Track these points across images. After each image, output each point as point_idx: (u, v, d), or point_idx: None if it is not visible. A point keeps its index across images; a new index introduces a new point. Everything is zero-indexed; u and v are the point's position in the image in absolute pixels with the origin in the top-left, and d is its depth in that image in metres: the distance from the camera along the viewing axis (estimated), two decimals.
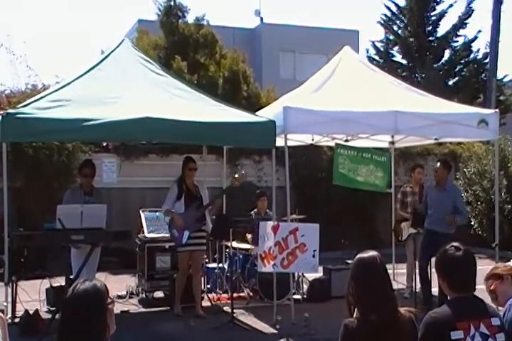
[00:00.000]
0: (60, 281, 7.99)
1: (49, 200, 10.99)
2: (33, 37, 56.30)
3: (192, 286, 8.07)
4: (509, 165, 14.25)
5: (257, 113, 8.73)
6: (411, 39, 26.26)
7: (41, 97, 7.43)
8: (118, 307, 7.97)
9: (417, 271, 8.61)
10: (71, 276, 7.12)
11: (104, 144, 13.03)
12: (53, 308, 7.88)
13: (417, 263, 8.51)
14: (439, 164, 8.40)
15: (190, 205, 7.96)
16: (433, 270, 6.05)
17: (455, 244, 3.44)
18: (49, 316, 7.43)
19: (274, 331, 7.24)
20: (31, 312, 7.31)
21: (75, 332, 2.77)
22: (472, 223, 14.48)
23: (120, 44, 8.78)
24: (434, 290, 7.73)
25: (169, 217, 8.06)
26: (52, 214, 7.09)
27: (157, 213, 9.08)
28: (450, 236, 7.98)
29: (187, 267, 8.04)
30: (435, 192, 8.31)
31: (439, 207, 8.12)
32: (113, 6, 66.32)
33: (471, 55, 25.88)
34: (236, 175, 8.42)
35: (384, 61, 26.23)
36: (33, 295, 8.15)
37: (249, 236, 9.37)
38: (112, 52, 8.62)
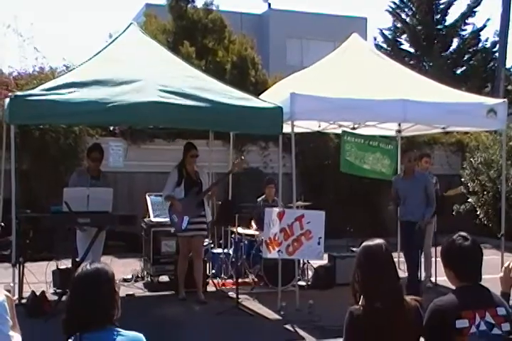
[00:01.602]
0: (66, 263, 8.05)
1: (55, 183, 11.04)
2: (39, 19, 56.14)
3: (193, 268, 8.08)
4: None
5: (261, 95, 8.68)
6: (419, 27, 26.13)
7: (50, 81, 7.43)
8: (123, 291, 8.02)
9: (422, 260, 8.63)
10: (77, 259, 7.17)
11: (112, 128, 13.05)
12: (60, 290, 7.93)
13: (422, 252, 8.52)
14: (411, 155, 8.20)
15: (190, 191, 7.96)
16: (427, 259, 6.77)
17: (462, 233, 3.44)
18: (55, 298, 7.47)
19: (279, 317, 7.27)
20: (38, 293, 7.36)
21: (82, 312, 2.80)
22: (478, 213, 14.48)
23: (128, 28, 8.75)
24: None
25: (169, 202, 8.05)
26: (59, 197, 7.12)
27: (163, 197, 9.08)
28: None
29: (187, 252, 8.04)
30: (404, 182, 8.14)
31: (411, 196, 8.00)
32: None
33: (480, 44, 25.77)
34: (235, 161, 8.42)
35: (391, 49, 26.12)
36: (39, 277, 8.21)
37: (253, 223, 9.36)
38: (119, 35, 8.60)
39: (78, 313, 2.81)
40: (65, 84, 7.13)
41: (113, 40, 8.51)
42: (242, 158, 8.99)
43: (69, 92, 6.91)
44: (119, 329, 2.85)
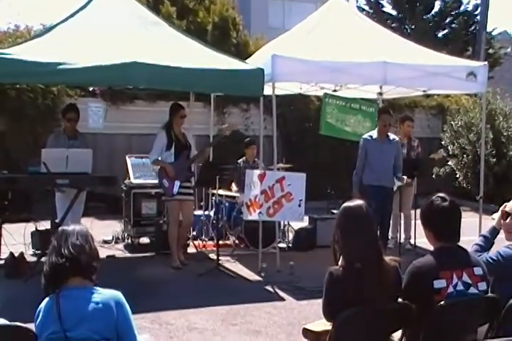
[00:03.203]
0: (45, 225, 8.00)
1: (33, 144, 10.94)
2: None
3: (179, 233, 8.05)
4: (496, 118, 14.31)
5: (246, 61, 8.60)
6: None
7: (24, 41, 7.25)
8: (104, 252, 8.03)
9: (402, 222, 8.71)
10: (56, 220, 7.13)
11: (91, 89, 12.88)
12: (38, 251, 7.93)
13: (402, 214, 8.59)
14: (388, 119, 7.93)
15: (181, 154, 7.80)
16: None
17: (441, 194, 3.46)
18: (34, 259, 7.46)
19: (259, 278, 7.32)
20: (16, 254, 7.35)
21: (64, 264, 2.83)
22: (457, 176, 14.61)
23: None
24: None
25: (158, 166, 7.91)
26: (37, 158, 7.03)
27: (143, 159, 9.02)
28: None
29: (178, 217, 7.88)
30: (375, 145, 7.89)
31: (380, 160, 7.83)
32: None
33: (462, 7, 25.62)
34: (226, 124, 8.36)
35: (374, 11, 25.88)
36: (18, 238, 8.18)
37: (234, 185, 9.36)
38: None
39: (58, 268, 2.82)
40: (41, 43, 6.97)
41: (90, 0, 8.29)
42: (233, 120, 8.90)
43: (45, 52, 6.75)
44: (98, 288, 2.87)
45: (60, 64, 6.57)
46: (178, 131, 7.90)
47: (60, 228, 3.02)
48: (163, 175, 7.78)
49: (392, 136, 8.02)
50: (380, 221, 7.85)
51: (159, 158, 7.80)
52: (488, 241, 3.88)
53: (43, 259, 6.84)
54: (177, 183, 7.72)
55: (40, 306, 2.87)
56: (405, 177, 7.90)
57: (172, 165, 7.74)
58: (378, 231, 7.57)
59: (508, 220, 3.77)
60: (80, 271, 2.85)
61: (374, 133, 7.98)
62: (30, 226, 8.25)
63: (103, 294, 2.84)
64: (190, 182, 7.97)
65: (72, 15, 7.76)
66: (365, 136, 8.05)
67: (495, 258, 3.62)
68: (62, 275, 2.84)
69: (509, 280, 3.52)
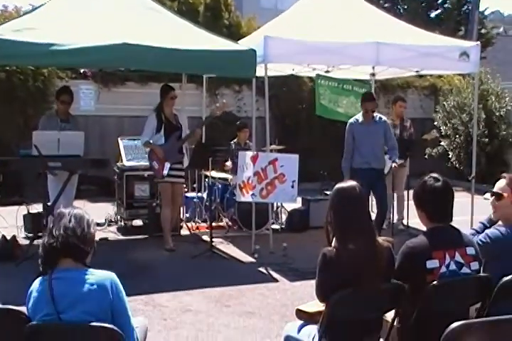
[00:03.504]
0: (37, 208, 7.98)
1: (24, 126, 10.88)
2: None
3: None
4: (488, 98, 14.31)
5: (238, 42, 8.55)
6: None
7: (12, 20, 7.15)
8: (97, 235, 7.96)
9: (395, 202, 8.73)
10: (48, 203, 7.11)
11: (82, 71, 12.78)
12: (31, 234, 7.91)
13: (395, 195, 8.60)
14: (368, 106, 7.76)
15: (171, 136, 7.77)
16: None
17: (434, 174, 3.46)
18: (26, 242, 7.45)
19: (253, 260, 7.34)
20: (8, 238, 7.34)
21: (52, 248, 2.82)
22: (450, 156, 14.64)
23: None
24: None
25: (149, 148, 7.89)
26: (28, 141, 6.99)
27: (136, 141, 8.97)
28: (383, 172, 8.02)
29: (170, 198, 7.85)
30: (362, 127, 7.83)
31: (372, 141, 7.78)
32: None
33: None
34: (217, 104, 8.32)
35: None
36: (10, 221, 8.16)
37: (228, 163, 9.33)
38: None
39: (50, 246, 2.84)
40: (31, 24, 6.87)
41: None
42: (224, 101, 8.86)
43: (33, 33, 6.66)
44: (91, 269, 2.86)
45: (50, 45, 6.49)
46: (169, 112, 7.85)
47: (58, 210, 3.02)
48: (153, 157, 7.77)
49: (378, 116, 7.97)
50: (377, 204, 7.88)
51: (150, 141, 7.78)
52: (485, 228, 3.89)
53: (36, 242, 6.86)
54: (167, 165, 7.70)
55: (31, 287, 2.86)
56: (398, 160, 7.89)
57: (162, 147, 7.71)
58: (376, 213, 7.73)
59: (498, 202, 3.77)
60: (69, 252, 2.84)
61: (360, 117, 7.94)
62: (23, 209, 8.22)
63: (97, 275, 2.83)
64: (182, 164, 7.94)
65: None
66: (351, 120, 7.99)
67: (483, 239, 3.63)
68: (52, 256, 2.84)
69: (497, 260, 3.54)
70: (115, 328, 2.72)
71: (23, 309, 2.86)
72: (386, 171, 8.19)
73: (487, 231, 3.68)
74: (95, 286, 2.78)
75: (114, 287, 2.83)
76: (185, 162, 8.00)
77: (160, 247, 7.76)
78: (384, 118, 8.04)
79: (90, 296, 2.75)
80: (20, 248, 7.18)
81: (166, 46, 6.96)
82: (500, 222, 3.76)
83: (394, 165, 7.78)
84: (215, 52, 7.30)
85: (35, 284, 2.85)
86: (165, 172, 7.71)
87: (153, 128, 7.75)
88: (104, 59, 6.84)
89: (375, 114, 7.90)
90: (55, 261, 2.83)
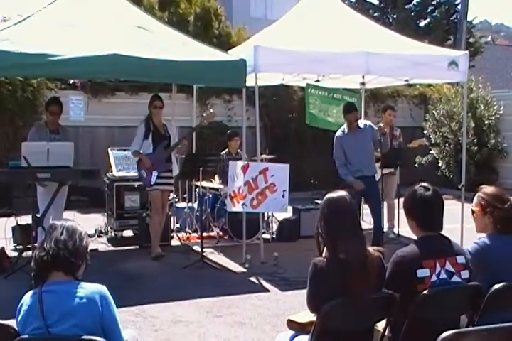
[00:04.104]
0: (26, 219, 7.92)
1: (13, 138, 10.83)
2: None
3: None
4: (477, 107, 14.38)
5: (228, 52, 8.57)
6: None
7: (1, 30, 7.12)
8: None
9: (385, 211, 8.74)
10: (37, 215, 7.06)
11: (71, 81, 12.76)
12: (20, 246, 7.86)
13: (385, 203, 8.61)
14: (351, 117, 7.84)
15: (159, 145, 7.84)
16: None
17: (424, 184, 3.48)
18: (15, 254, 7.40)
19: (244, 270, 7.32)
20: None
21: (43, 261, 2.80)
22: (440, 164, 14.69)
23: None
24: None
25: (137, 158, 7.93)
26: (17, 152, 6.95)
27: (126, 152, 8.96)
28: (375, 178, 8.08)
29: (161, 206, 7.91)
30: (349, 137, 7.87)
31: (360, 149, 7.83)
32: None
33: None
34: (204, 114, 8.33)
35: (356, 1, 25.90)
36: None
37: (216, 177, 9.32)
38: None
39: (40, 259, 2.83)
40: (20, 34, 6.85)
41: None
42: (211, 110, 8.87)
43: (23, 43, 6.62)
44: (81, 282, 2.84)
45: (40, 56, 6.45)
46: (157, 121, 7.93)
47: (50, 223, 3.01)
48: (141, 166, 7.85)
49: (362, 123, 8.04)
50: (372, 210, 7.89)
51: (140, 151, 7.83)
52: None
53: (25, 254, 6.82)
54: (154, 174, 7.77)
55: (21, 301, 2.84)
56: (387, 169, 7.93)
57: (150, 156, 7.78)
58: (373, 222, 7.74)
59: (474, 215, 3.80)
60: (60, 265, 2.82)
61: (345, 128, 7.98)
62: (11, 221, 8.17)
63: (87, 288, 2.81)
64: (171, 172, 7.97)
65: (48, 5, 7.63)
66: (338, 133, 8.02)
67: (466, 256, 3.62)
68: (43, 269, 2.82)
69: (482, 271, 3.52)
70: None
71: (12, 322, 2.83)
72: (377, 179, 8.22)
73: (467, 247, 3.67)
74: (85, 300, 2.75)
75: (103, 300, 2.81)
76: (175, 170, 8.02)
77: (150, 258, 7.73)
78: (369, 122, 8.09)
79: (80, 310, 2.73)
80: (9, 260, 7.13)
81: (156, 57, 6.96)
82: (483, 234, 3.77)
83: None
84: (205, 63, 7.31)
85: (26, 297, 2.83)
86: (153, 180, 7.77)
87: (142, 137, 7.83)
88: (95, 70, 6.82)
89: (359, 122, 7.96)
90: (46, 274, 2.82)
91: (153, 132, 7.85)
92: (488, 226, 3.69)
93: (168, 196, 8.35)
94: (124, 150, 9.08)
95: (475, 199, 3.77)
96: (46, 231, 2.98)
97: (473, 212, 3.78)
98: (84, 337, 2.68)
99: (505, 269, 3.44)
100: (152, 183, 7.78)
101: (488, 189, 3.76)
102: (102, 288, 2.86)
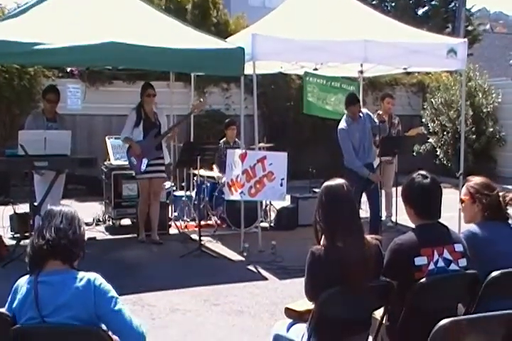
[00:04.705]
0: (23, 208, 7.91)
1: (10, 125, 10.79)
2: None
3: (149, 211, 8.07)
4: (475, 95, 14.34)
5: (226, 40, 8.53)
6: None
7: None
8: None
9: (383, 199, 8.73)
10: (35, 203, 7.06)
11: (69, 69, 12.70)
12: (17, 235, 7.86)
13: (383, 191, 8.60)
14: (354, 110, 7.76)
15: (149, 132, 7.89)
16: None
17: (422, 172, 3.47)
18: (13, 242, 7.40)
19: (242, 258, 7.33)
20: None
21: (42, 249, 2.77)
22: (438, 153, 14.68)
23: None
24: None
25: (128, 144, 7.97)
26: (14, 140, 6.93)
27: None
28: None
29: (147, 195, 8.00)
30: (353, 128, 7.75)
31: (363, 138, 7.80)
32: None
33: None
34: (194, 103, 8.31)
35: None
36: None
37: (214, 167, 9.30)
38: None
39: (39, 247, 2.78)
40: (16, 22, 6.83)
41: None
42: (201, 99, 8.85)
43: (20, 31, 6.60)
44: (78, 272, 2.81)
45: (36, 44, 6.44)
46: (149, 109, 7.97)
47: (48, 208, 2.96)
48: (131, 153, 7.88)
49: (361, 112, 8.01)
50: (370, 199, 7.87)
51: (130, 136, 7.88)
52: None
53: (23, 243, 6.81)
54: (144, 161, 7.82)
55: (16, 284, 2.81)
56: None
57: (140, 144, 7.82)
58: (371, 211, 7.74)
59: (463, 204, 3.80)
60: (59, 254, 2.79)
61: (345, 121, 7.87)
62: (9, 210, 8.16)
63: (82, 279, 2.76)
64: (162, 159, 8.01)
65: None
66: (342, 126, 7.80)
67: None
68: (41, 258, 2.78)
69: (475, 261, 3.50)
70: (102, 330, 2.69)
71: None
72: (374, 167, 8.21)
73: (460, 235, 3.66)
74: (79, 291, 2.71)
75: (96, 289, 2.75)
76: (166, 158, 8.09)
77: (148, 246, 7.73)
78: (365, 110, 8.06)
79: (75, 302, 2.69)
80: (7, 248, 7.12)
81: (153, 45, 6.93)
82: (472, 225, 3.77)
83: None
84: (203, 51, 7.28)
85: (21, 283, 2.79)
86: (142, 168, 7.82)
87: (132, 124, 7.89)
88: (92, 58, 6.80)
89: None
90: (43, 262, 2.78)
91: (144, 120, 7.91)
92: (477, 215, 3.70)
93: (162, 184, 8.35)
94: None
95: (463, 189, 3.80)
96: (44, 217, 2.90)
97: (462, 201, 3.79)
98: (81, 325, 2.67)
99: (499, 253, 3.45)
100: (142, 170, 7.84)
101: (476, 178, 3.78)
102: (97, 277, 2.80)
